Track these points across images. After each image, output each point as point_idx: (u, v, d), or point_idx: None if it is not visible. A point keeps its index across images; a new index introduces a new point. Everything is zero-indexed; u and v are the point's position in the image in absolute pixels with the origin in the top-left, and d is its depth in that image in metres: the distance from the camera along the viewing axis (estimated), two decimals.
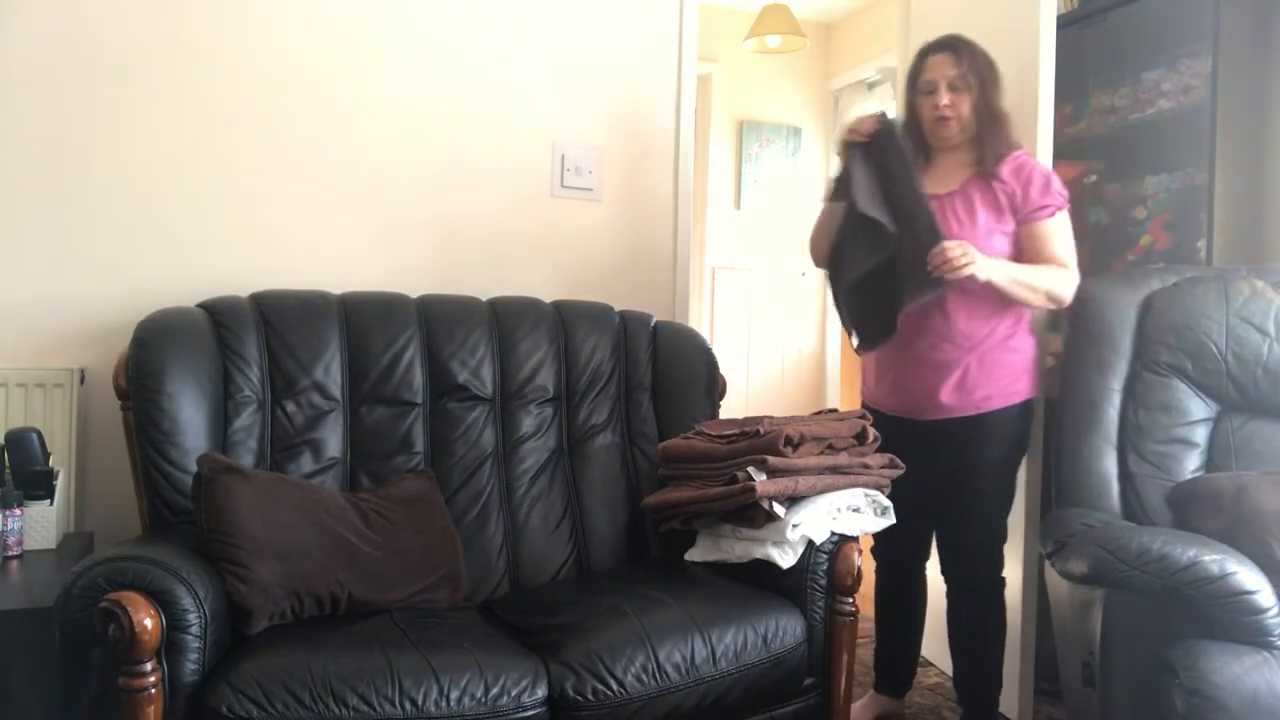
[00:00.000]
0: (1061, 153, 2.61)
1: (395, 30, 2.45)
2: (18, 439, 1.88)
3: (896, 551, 2.29)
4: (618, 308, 2.49)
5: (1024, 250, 2.11)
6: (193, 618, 1.47)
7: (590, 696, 1.61)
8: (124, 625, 1.37)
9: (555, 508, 2.21)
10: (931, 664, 2.74)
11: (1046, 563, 1.91)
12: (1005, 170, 2.11)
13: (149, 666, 1.40)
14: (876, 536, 2.15)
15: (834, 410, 2.22)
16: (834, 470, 1.96)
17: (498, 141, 2.57)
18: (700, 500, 2.00)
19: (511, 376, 2.26)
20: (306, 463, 2.01)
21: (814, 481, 1.92)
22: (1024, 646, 2.39)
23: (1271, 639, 1.52)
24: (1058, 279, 2.07)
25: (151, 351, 1.86)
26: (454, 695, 1.51)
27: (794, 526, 1.87)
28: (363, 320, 2.14)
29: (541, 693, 1.59)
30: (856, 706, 2.37)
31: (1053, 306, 2.12)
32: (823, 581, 1.90)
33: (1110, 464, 2.05)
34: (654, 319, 2.50)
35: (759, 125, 5.35)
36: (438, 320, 2.22)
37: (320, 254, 2.37)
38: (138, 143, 2.20)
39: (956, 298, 2.08)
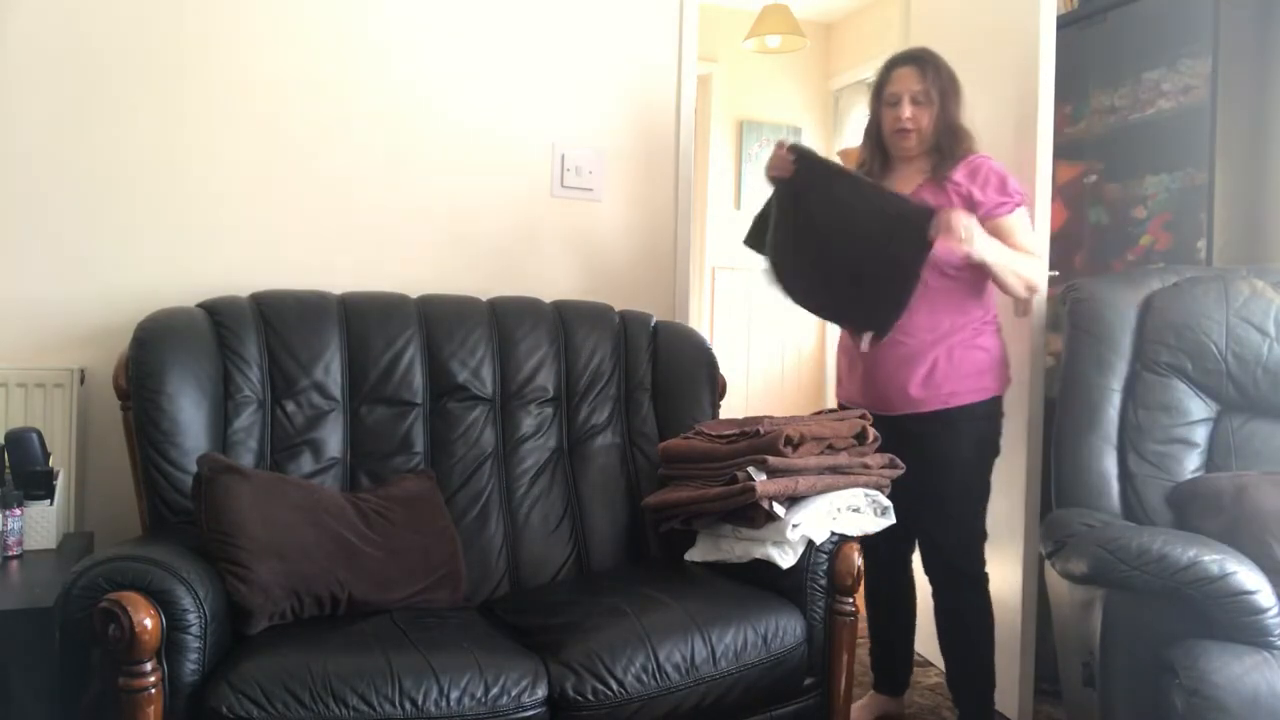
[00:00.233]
0: (1061, 153, 2.61)
1: (395, 31, 2.45)
2: (18, 439, 1.88)
3: (881, 548, 2.30)
4: (618, 308, 2.49)
5: None
6: (193, 618, 1.47)
7: (590, 696, 1.61)
8: (124, 625, 1.37)
9: (555, 508, 2.21)
10: (931, 664, 2.74)
11: (1046, 563, 1.91)
12: (959, 173, 2.16)
13: (149, 666, 1.40)
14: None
15: (834, 410, 2.22)
16: (834, 470, 1.96)
17: (498, 141, 2.57)
18: (700, 500, 2.00)
19: (511, 376, 2.26)
20: (306, 463, 2.01)
21: (814, 481, 1.92)
22: (1024, 646, 2.39)
23: (1271, 639, 1.52)
24: (1036, 268, 2.17)
25: (151, 351, 1.86)
26: (454, 695, 1.51)
27: (794, 526, 1.87)
28: (363, 320, 2.14)
29: (541, 693, 1.59)
30: (856, 707, 2.38)
31: (1027, 295, 2.17)
32: (823, 581, 1.90)
33: (1110, 464, 2.05)
34: (654, 319, 2.50)
35: (759, 125, 5.35)
36: (438, 320, 2.22)
37: (320, 254, 2.37)
38: (138, 143, 2.20)
39: (918, 293, 2.10)
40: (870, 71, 5.12)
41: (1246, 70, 2.46)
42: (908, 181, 2.23)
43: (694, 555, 2.08)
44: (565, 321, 2.37)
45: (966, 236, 2.01)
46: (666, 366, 2.41)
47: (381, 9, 2.43)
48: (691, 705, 1.70)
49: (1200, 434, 2.04)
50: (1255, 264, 2.35)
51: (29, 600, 1.59)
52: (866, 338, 2.17)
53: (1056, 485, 2.10)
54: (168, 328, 1.92)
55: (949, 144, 2.17)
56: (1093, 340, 2.12)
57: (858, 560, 1.91)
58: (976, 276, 2.15)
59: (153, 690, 1.40)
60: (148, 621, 1.39)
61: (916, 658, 2.60)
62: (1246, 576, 1.53)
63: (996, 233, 2.11)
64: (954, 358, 2.16)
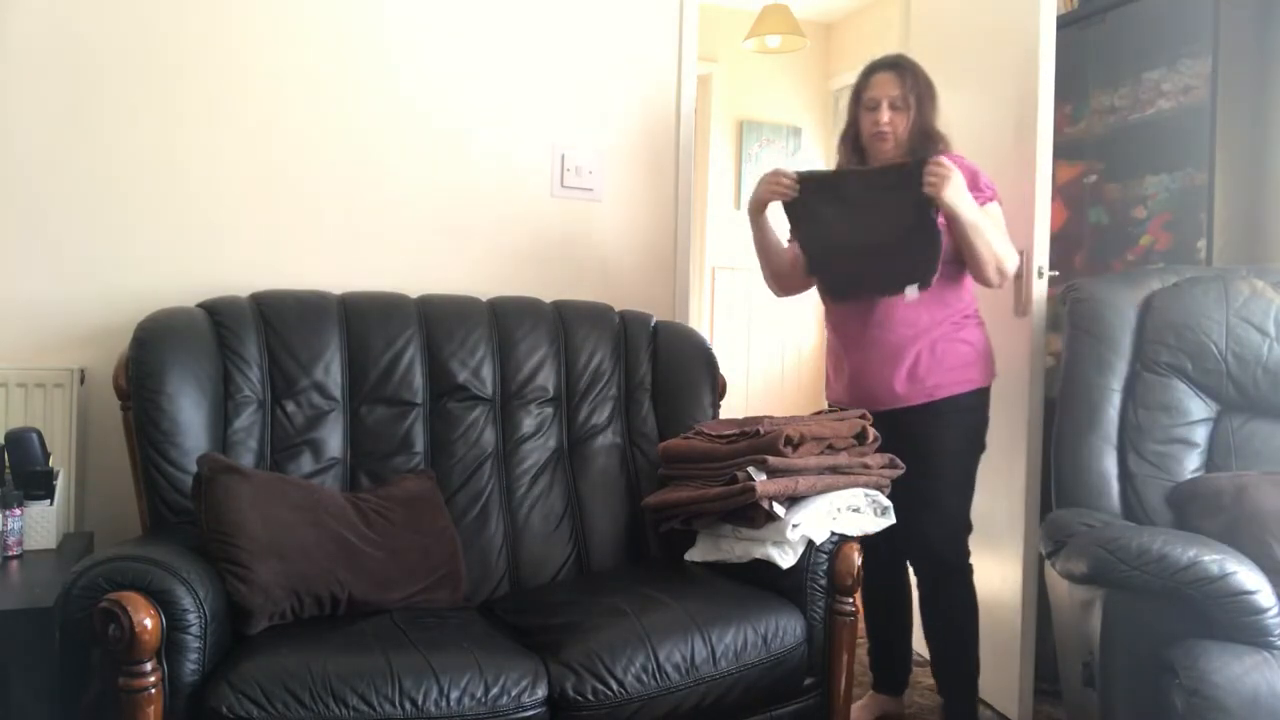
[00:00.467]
0: (1061, 153, 2.61)
1: (395, 31, 2.45)
2: (18, 439, 1.88)
3: (881, 548, 2.31)
4: (618, 308, 2.49)
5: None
6: (193, 618, 1.47)
7: (590, 696, 1.61)
8: (124, 625, 1.37)
9: (555, 508, 2.21)
10: (930, 663, 2.73)
11: (1046, 563, 1.91)
12: None
13: (149, 666, 1.40)
14: None
15: (834, 410, 2.22)
16: (834, 470, 1.96)
17: (498, 141, 2.57)
18: (700, 500, 2.00)
19: (511, 376, 2.26)
20: (306, 463, 2.01)
21: (814, 481, 1.92)
22: (1024, 646, 2.39)
23: (1271, 639, 1.52)
24: (1008, 248, 2.16)
25: (151, 351, 1.86)
26: (454, 695, 1.51)
27: (794, 526, 1.87)
28: (362, 320, 2.14)
29: (541, 693, 1.59)
30: (856, 707, 2.38)
31: (997, 280, 2.16)
32: (823, 581, 1.90)
33: (1110, 464, 2.05)
34: (654, 319, 2.50)
35: (759, 125, 5.35)
36: (438, 320, 2.22)
37: (320, 254, 2.36)
38: (138, 143, 2.20)
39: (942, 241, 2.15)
40: None
41: (1246, 70, 2.46)
42: None
43: (694, 555, 2.08)
44: (565, 321, 2.37)
45: (937, 180, 2.02)
46: (666, 366, 2.41)
47: (381, 9, 2.43)
48: (691, 705, 1.70)
49: (1200, 434, 2.04)
50: (1255, 264, 2.35)
51: (29, 600, 1.59)
52: (912, 289, 2.18)
53: (1056, 485, 2.10)
54: (168, 328, 1.92)
55: (923, 148, 2.21)
56: (1093, 340, 2.12)
57: (858, 560, 1.91)
58: (953, 269, 2.17)
59: (153, 690, 1.40)
60: (148, 621, 1.39)
61: (915, 657, 2.60)
62: (1246, 576, 1.53)
63: None
64: (937, 351, 2.19)
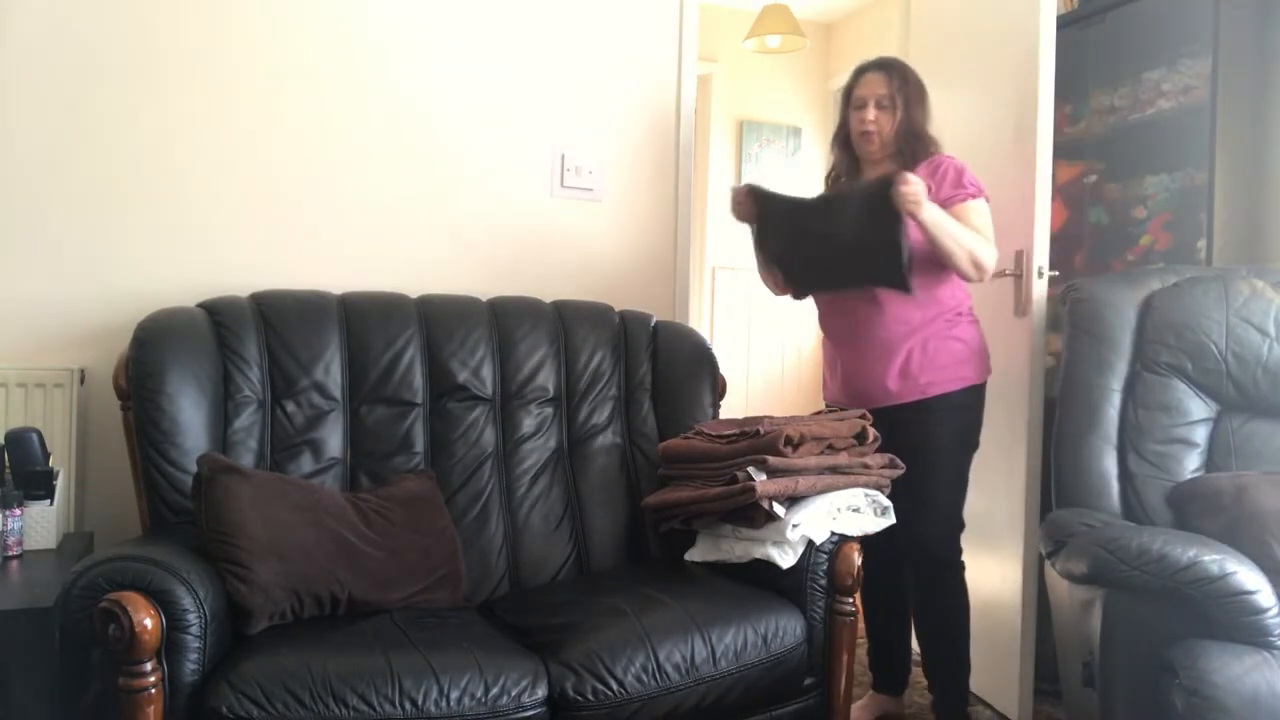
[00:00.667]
0: (1061, 153, 2.61)
1: (395, 31, 2.45)
2: (18, 439, 1.88)
3: (876, 546, 2.31)
4: (618, 308, 2.49)
5: None
6: (193, 618, 1.47)
7: (590, 696, 1.61)
8: (124, 625, 1.37)
9: (555, 508, 2.21)
10: None
11: (1046, 563, 1.91)
12: (920, 172, 2.19)
13: (149, 666, 1.40)
14: None
15: (834, 410, 2.22)
16: (834, 470, 1.96)
17: (498, 141, 2.57)
18: (700, 500, 2.00)
19: (511, 376, 2.26)
20: (306, 463, 2.01)
21: (814, 481, 1.92)
22: (1024, 646, 2.39)
23: (1271, 639, 1.52)
24: (981, 244, 2.14)
25: (151, 351, 1.86)
26: (454, 695, 1.51)
27: (794, 526, 1.87)
28: (362, 320, 2.14)
29: (541, 693, 1.59)
30: (856, 707, 2.38)
31: (975, 273, 2.15)
32: (823, 581, 1.90)
33: (1110, 464, 2.05)
34: (654, 319, 2.50)
35: (759, 125, 5.35)
36: (438, 320, 2.22)
37: (320, 254, 2.36)
38: (138, 143, 2.20)
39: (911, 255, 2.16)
40: None
41: (1246, 70, 2.45)
42: None
43: (694, 555, 2.08)
44: (565, 321, 2.37)
45: (914, 198, 2.03)
46: (666, 366, 2.41)
47: (381, 9, 2.43)
48: (691, 705, 1.70)
49: (1200, 434, 2.04)
50: (1255, 264, 2.35)
51: (29, 600, 1.59)
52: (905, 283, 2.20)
53: (1056, 485, 2.10)
54: (168, 328, 1.92)
55: (911, 148, 2.23)
56: (1093, 340, 2.12)
57: (858, 560, 1.91)
58: (941, 267, 2.17)
59: (153, 690, 1.40)
60: (148, 621, 1.39)
61: (915, 657, 2.60)
62: (1246, 576, 1.53)
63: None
64: (929, 349, 2.20)
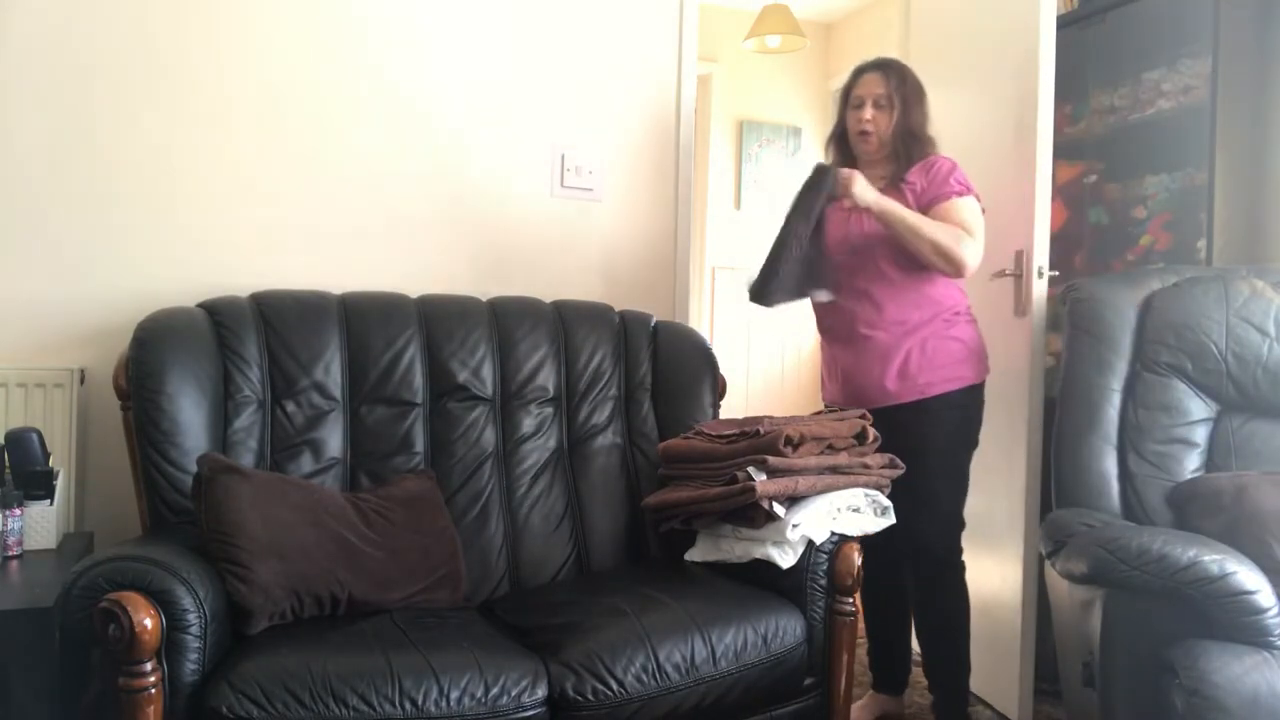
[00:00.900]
0: (1061, 153, 2.61)
1: (395, 31, 2.45)
2: (18, 439, 1.88)
3: (876, 546, 2.31)
4: (618, 308, 2.49)
5: None
6: (193, 618, 1.47)
7: (590, 696, 1.61)
8: (124, 625, 1.37)
9: (555, 508, 2.21)
10: None
11: (1046, 563, 1.91)
12: (914, 172, 2.22)
13: (149, 666, 1.40)
14: None
15: (834, 410, 2.22)
16: (834, 470, 1.96)
17: (498, 141, 2.57)
18: (700, 500, 2.00)
19: (511, 376, 2.26)
20: (306, 463, 2.01)
21: (814, 481, 1.92)
22: (1024, 646, 2.39)
23: (1271, 639, 1.52)
24: (947, 234, 2.12)
25: (151, 351, 1.86)
26: (454, 695, 1.51)
27: (794, 526, 1.87)
28: (363, 320, 2.14)
29: (541, 693, 1.59)
30: (856, 707, 2.38)
31: (944, 264, 2.14)
32: (823, 581, 1.90)
33: (1110, 464, 2.05)
34: (654, 319, 2.50)
35: (759, 125, 5.35)
36: (438, 320, 2.22)
37: (320, 254, 2.36)
38: (138, 143, 2.20)
39: (883, 288, 2.21)
40: None
41: (1246, 70, 2.46)
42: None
43: (694, 555, 2.08)
44: (565, 321, 2.37)
45: (853, 189, 2.08)
46: (666, 366, 2.41)
47: (382, 9, 2.43)
48: (691, 705, 1.70)
49: (1200, 434, 2.04)
50: (1255, 264, 2.35)
51: (29, 600, 1.59)
52: (820, 293, 2.25)
53: (1056, 485, 2.10)
54: (168, 328, 1.92)
55: (908, 149, 2.23)
56: (1093, 340, 2.12)
57: (858, 560, 1.91)
58: (925, 265, 2.17)
59: (153, 690, 1.40)
60: (148, 621, 1.39)
61: (915, 657, 2.60)
62: (1246, 576, 1.53)
63: (938, 216, 2.16)
64: (927, 349, 2.20)
